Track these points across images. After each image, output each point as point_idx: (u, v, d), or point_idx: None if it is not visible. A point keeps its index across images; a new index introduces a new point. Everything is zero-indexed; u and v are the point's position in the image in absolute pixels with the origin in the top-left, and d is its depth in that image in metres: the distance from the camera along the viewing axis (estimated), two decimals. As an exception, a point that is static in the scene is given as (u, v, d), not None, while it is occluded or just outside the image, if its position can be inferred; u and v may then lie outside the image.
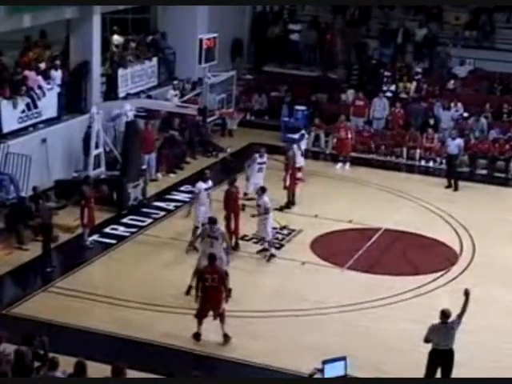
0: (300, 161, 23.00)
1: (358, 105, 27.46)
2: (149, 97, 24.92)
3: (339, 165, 25.29)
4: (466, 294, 12.84)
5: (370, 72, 29.57)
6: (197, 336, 14.82)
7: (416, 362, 13.19)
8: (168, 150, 24.04)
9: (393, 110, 27.19)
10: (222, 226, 17.35)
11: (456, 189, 23.68)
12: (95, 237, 19.12)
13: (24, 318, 15.30)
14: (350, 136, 25.54)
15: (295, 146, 22.78)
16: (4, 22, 19.66)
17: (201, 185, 18.99)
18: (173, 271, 17.78)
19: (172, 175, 23.76)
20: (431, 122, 26.56)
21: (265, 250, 18.60)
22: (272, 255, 18.47)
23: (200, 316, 14.78)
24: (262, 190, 18.83)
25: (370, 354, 14.55)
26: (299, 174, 23.00)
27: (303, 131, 24.57)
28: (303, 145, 23.77)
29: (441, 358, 12.86)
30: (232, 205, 19.00)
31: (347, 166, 25.23)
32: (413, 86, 28.32)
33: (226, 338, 14.78)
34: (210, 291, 14.61)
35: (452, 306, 12.98)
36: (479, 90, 28.61)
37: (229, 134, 27.49)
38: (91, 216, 18.60)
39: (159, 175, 23.50)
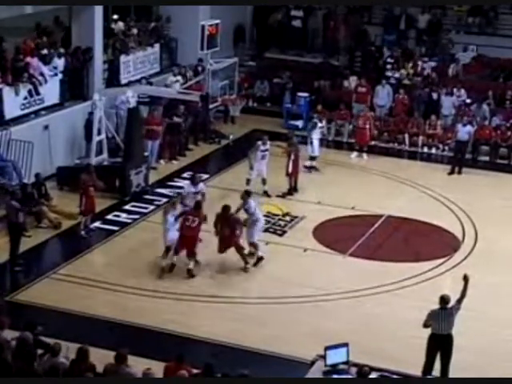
0: (310, 150, 23.16)
1: (361, 91, 27.39)
2: (149, 83, 24.86)
3: (354, 154, 25.05)
4: (465, 279, 12.88)
5: (373, 59, 29.53)
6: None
7: (418, 348, 13.20)
8: (171, 137, 23.98)
9: (396, 96, 27.13)
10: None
11: (460, 172, 23.74)
12: (97, 223, 19.13)
13: (27, 305, 15.35)
14: (368, 126, 25.30)
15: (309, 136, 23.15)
16: (5, 8, 19.65)
17: (189, 188, 18.65)
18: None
19: (174, 162, 23.73)
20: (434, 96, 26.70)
21: (251, 254, 17.60)
22: (260, 258, 17.44)
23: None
24: (247, 194, 17.86)
25: (372, 340, 14.58)
26: (314, 163, 23.18)
27: (315, 120, 24.05)
28: (316, 134, 23.49)
29: (440, 343, 12.91)
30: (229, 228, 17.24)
31: (365, 156, 24.94)
32: (409, 66, 28.27)
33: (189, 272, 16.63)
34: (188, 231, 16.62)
35: (454, 292, 13.00)
36: (482, 77, 28.55)
37: (231, 120, 27.49)
38: (89, 204, 18.51)
39: (162, 162, 23.47)
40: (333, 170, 23.88)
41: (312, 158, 23.32)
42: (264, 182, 21.22)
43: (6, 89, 20.32)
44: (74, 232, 18.73)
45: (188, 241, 16.77)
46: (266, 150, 21.30)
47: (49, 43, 22.62)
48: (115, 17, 26.20)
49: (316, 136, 23.43)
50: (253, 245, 17.55)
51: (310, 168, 23.26)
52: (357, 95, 27.33)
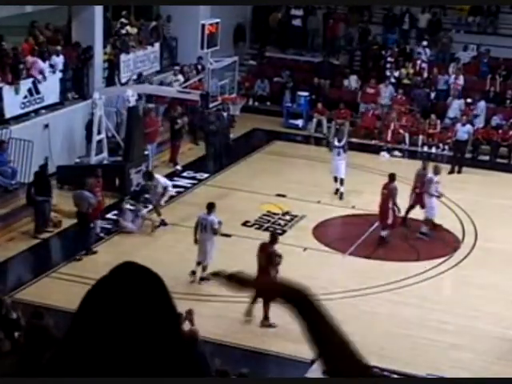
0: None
1: (369, 92, 27.41)
2: (142, 81, 24.70)
3: (384, 153, 25.32)
4: None
5: (373, 58, 29.54)
6: None
7: (418, 347, 13.22)
8: (172, 141, 23.58)
9: (395, 95, 27.14)
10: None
11: (460, 171, 23.77)
12: (97, 222, 19.13)
13: (27, 304, 15.35)
14: (392, 126, 25.49)
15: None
16: (6, 6, 19.66)
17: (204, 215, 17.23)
18: (173, 256, 17.80)
19: (178, 167, 23.36)
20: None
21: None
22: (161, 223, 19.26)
23: None
24: (149, 176, 19.87)
25: (371, 339, 14.57)
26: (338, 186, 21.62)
27: (331, 139, 22.45)
28: (334, 156, 21.60)
29: None
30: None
31: (387, 155, 25.25)
32: (409, 67, 28.32)
33: None
34: None
35: (453, 291, 13.01)
36: (482, 76, 28.56)
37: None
38: (97, 207, 18.48)
39: (178, 167, 23.21)
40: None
41: (335, 179, 21.74)
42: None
43: (6, 88, 20.31)
44: (75, 230, 18.73)
45: None
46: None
47: (48, 42, 22.61)
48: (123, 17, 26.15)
49: (334, 156, 21.62)
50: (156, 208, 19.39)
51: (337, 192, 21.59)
52: (364, 95, 27.35)
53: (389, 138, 25.46)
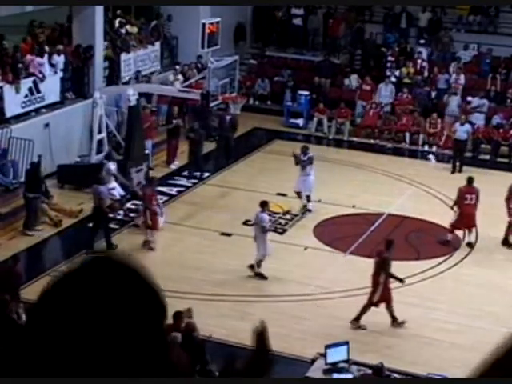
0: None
1: (365, 89, 27.41)
2: (136, 78, 24.70)
3: (432, 156, 25.32)
4: None
5: (373, 57, 29.54)
6: None
7: (419, 346, 13.20)
8: (170, 140, 23.61)
9: (400, 95, 27.14)
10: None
11: (460, 170, 23.77)
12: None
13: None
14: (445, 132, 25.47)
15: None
16: (6, 5, 19.67)
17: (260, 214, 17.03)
18: (173, 255, 17.81)
19: (173, 166, 23.32)
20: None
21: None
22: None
23: None
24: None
25: (371, 338, 14.59)
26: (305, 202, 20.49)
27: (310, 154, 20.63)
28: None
29: None
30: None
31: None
32: (410, 66, 28.29)
33: None
34: None
35: (454, 291, 13.01)
36: (483, 75, 28.57)
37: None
38: (153, 219, 18.18)
39: (173, 166, 23.14)
40: (333, 168, 23.89)
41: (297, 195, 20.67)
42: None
43: (7, 87, 20.32)
44: (75, 230, 18.74)
45: None
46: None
47: (47, 41, 22.61)
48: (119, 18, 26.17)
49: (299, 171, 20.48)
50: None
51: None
52: (361, 93, 27.34)
53: (441, 143, 25.40)
